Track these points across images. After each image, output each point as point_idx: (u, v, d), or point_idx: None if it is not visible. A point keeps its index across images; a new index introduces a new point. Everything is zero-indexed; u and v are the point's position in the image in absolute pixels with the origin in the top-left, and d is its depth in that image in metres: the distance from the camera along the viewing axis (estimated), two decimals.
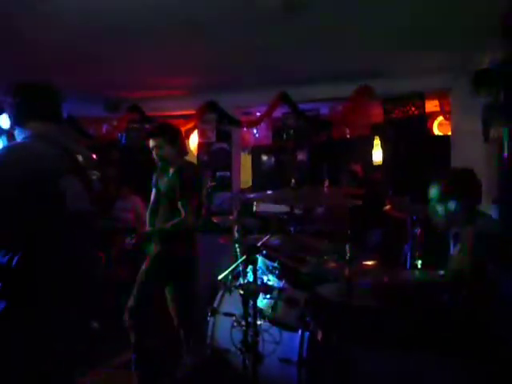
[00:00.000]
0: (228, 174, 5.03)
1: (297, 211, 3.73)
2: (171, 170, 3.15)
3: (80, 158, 1.90)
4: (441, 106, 4.85)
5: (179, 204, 2.99)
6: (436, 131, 5.57)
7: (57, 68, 3.91)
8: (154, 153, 3.15)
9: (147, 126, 4.96)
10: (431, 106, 4.86)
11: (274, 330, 2.45)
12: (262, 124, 4.96)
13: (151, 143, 3.14)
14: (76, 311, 1.82)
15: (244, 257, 2.26)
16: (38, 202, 1.66)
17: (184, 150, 3.33)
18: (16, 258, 1.62)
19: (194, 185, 3.12)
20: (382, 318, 2.39)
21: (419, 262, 2.81)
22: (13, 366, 1.64)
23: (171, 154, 3.13)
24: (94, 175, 1.95)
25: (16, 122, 1.87)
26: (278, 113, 4.81)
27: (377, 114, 4.59)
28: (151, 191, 3.37)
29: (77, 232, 1.80)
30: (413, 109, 4.32)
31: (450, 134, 4.58)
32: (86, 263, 1.89)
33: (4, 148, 1.71)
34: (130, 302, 2.98)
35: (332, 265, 2.43)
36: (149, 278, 3.01)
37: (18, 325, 1.65)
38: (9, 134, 5.47)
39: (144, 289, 3.00)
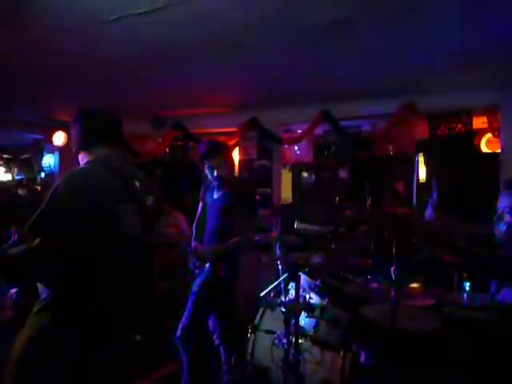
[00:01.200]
0: (269, 190, 5.05)
1: (341, 229, 3.68)
2: (223, 189, 3.15)
3: (137, 183, 1.97)
4: (489, 122, 4.69)
5: (242, 222, 2.97)
6: (484, 148, 5.38)
7: (107, 88, 4.11)
8: (210, 172, 3.11)
9: (191, 143, 5.08)
10: (479, 122, 4.72)
11: (316, 350, 2.42)
12: (304, 141, 4.96)
13: (208, 163, 3.09)
14: (124, 325, 1.88)
15: (286, 274, 2.25)
16: (95, 226, 1.73)
17: (234, 164, 3.35)
18: (69, 275, 1.69)
19: (255, 201, 3.14)
20: (427, 342, 2.31)
21: (467, 285, 2.71)
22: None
23: (225, 172, 3.12)
24: (149, 201, 2.01)
25: (81, 147, 1.96)
26: (320, 130, 4.81)
27: (421, 130, 4.50)
28: (197, 206, 3.39)
29: (127, 254, 1.86)
30: (459, 125, 4.21)
31: (498, 151, 4.42)
32: (135, 281, 1.94)
33: (70, 173, 1.78)
34: (183, 322, 3.00)
35: (377, 286, 2.38)
36: (202, 299, 3.02)
37: (61, 338, 1.70)
38: (61, 150, 5.74)
39: (198, 309, 3.01)
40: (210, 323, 3.15)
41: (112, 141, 1.99)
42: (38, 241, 1.65)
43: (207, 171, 3.13)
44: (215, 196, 3.19)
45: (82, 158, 1.97)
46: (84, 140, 1.95)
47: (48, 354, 1.68)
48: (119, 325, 1.88)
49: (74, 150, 2.00)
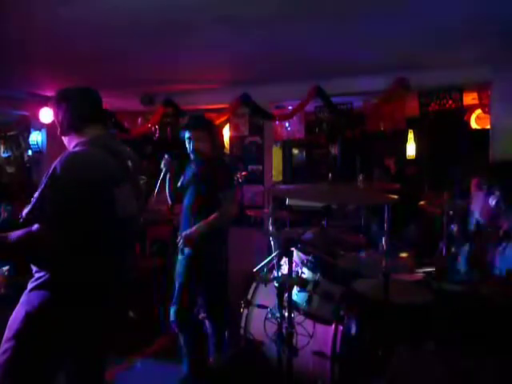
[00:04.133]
0: (260, 167, 5.05)
1: (333, 206, 3.72)
2: (201, 161, 3.13)
3: (129, 163, 1.94)
4: (479, 98, 4.70)
5: (220, 195, 2.96)
6: (474, 125, 5.42)
7: (94, 63, 4.02)
8: (188, 144, 3.11)
9: (181, 119, 5.03)
10: (469, 98, 4.72)
11: (308, 323, 2.47)
12: (295, 117, 4.93)
13: (187, 135, 3.11)
14: (117, 301, 1.91)
15: (279, 250, 2.28)
16: (94, 209, 1.73)
17: (220, 144, 3.33)
18: (67, 254, 1.70)
19: (232, 177, 3.13)
20: (418, 315, 2.36)
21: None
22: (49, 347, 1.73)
23: (206, 148, 3.10)
24: (142, 180, 2.00)
25: (70, 128, 1.89)
26: (311, 106, 4.78)
27: (412, 107, 4.50)
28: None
29: (123, 234, 1.88)
30: (450, 102, 4.21)
31: (488, 127, 4.45)
32: (129, 259, 1.97)
33: (67, 156, 1.74)
34: (174, 306, 3.01)
35: (368, 259, 2.42)
36: (189, 279, 3.02)
37: (60, 314, 1.73)
38: (48, 128, 5.63)
39: (187, 291, 3.02)
40: (198, 301, 3.17)
41: (101, 119, 1.96)
42: (37, 225, 1.65)
43: (187, 143, 3.11)
44: (192, 170, 3.18)
45: (70, 140, 1.91)
46: (73, 120, 1.88)
47: (47, 330, 1.70)
48: (115, 301, 1.90)
49: (60, 131, 1.93)
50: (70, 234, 1.68)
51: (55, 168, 1.67)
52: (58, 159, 1.71)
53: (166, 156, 3.23)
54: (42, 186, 1.67)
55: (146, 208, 5.06)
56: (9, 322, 1.75)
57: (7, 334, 1.73)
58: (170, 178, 3.27)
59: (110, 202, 1.76)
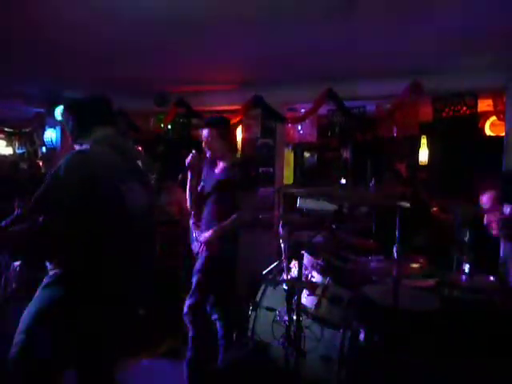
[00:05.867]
0: (271, 169, 5.04)
1: (344, 210, 3.70)
2: (222, 165, 3.16)
3: (139, 162, 1.98)
4: (494, 105, 4.66)
5: (239, 198, 2.98)
6: (488, 132, 5.36)
7: (108, 63, 4.06)
8: (208, 143, 3.11)
9: (193, 120, 5.05)
10: (484, 105, 4.68)
11: (316, 327, 2.46)
12: (307, 121, 4.93)
13: (204, 133, 3.11)
14: (130, 299, 1.92)
15: (289, 253, 2.27)
16: (98, 204, 1.75)
17: (234, 145, 3.32)
18: (79, 252, 1.72)
19: (254, 180, 3.12)
20: (427, 322, 2.35)
21: (467, 267, 2.74)
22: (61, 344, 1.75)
23: (221, 148, 3.11)
24: (152, 178, 2.03)
25: (79, 134, 1.96)
26: (324, 109, 4.77)
27: (426, 112, 4.46)
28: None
29: (135, 231, 1.90)
30: (464, 108, 4.17)
31: (503, 134, 4.40)
32: (142, 256, 1.98)
33: (75, 152, 1.79)
34: (190, 300, 3.04)
35: (378, 265, 2.41)
36: (206, 276, 3.05)
37: (71, 311, 1.74)
38: (62, 125, 5.69)
39: (202, 287, 3.04)
40: (209, 298, 3.19)
41: (110, 122, 2.00)
42: (42, 218, 1.67)
43: (205, 141, 3.10)
44: (215, 171, 3.19)
45: (81, 146, 1.96)
46: (82, 132, 1.95)
47: (56, 327, 1.72)
48: (127, 298, 1.92)
49: (71, 140, 2.02)
50: (76, 229, 1.70)
51: (59, 166, 1.73)
52: (64, 158, 1.77)
53: (193, 151, 3.20)
54: (46, 181, 1.71)
55: (156, 208, 5.09)
56: (23, 315, 1.78)
57: (20, 326, 1.77)
58: (192, 175, 3.25)
59: (118, 198, 1.78)
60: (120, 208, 1.79)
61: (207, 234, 3.03)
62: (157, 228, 2.53)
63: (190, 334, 3.07)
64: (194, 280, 3.08)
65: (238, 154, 3.19)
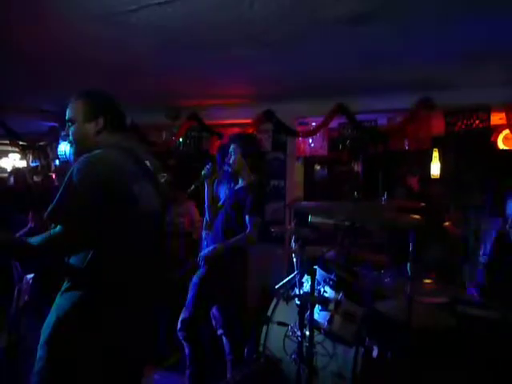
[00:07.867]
0: (282, 183, 5.05)
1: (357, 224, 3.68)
2: (241, 182, 3.18)
3: (148, 163, 2.00)
4: (507, 118, 4.62)
5: (246, 218, 3.01)
6: (501, 145, 5.31)
7: (121, 77, 4.12)
8: (231, 157, 3.15)
9: (205, 134, 5.09)
10: (496, 118, 4.64)
11: (328, 343, 2.43)
12: (318, 134, 4.93)
13: (231, 148, 3.17)
14: (143, 308, 1.90)
15: (302, 268, 2.26)
16: (115, 208, 1.75)
17: (256, 165, 3.31)
18: (89, 256, 1.72)
19: (263, 203, 3.14)
20: (441, 339, 2.31)
21: (479, 283, 2.70)
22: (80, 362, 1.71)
23: (240, 165, 3.14)
24: (163, 178, 2.04)
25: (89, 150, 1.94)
26: (335, 123, 4.77)
27: (438, 126, 4.44)
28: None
29: (148, 230, 1.90)
30: (477, 122, 4.14)
31: None
32: (155, 260, 1.97)
33: (86, 157, 1.79)
34: (184, 315, 3.03)
35: (391, 281, 2.38)
36: (203, 291, 3.04)
37: (86, 319, 1.72)
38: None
39: (199, 302, 3.03)
40: (215, 313, 3.17)
41: (119, 129, 2.01)
42: (58, 228, 1.69)
43: (229, 155, 3.13)
44: (233, 187, 3.21)
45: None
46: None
47: (78, 333, 1.70)
48: (143, 302, 1.90)
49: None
50: (92, 233, 1.71)
51: (72, 171, 1.73)
52: (76, 162, 1.78)
53: (209, 163, 3.24)
54: (62, 187, 1.72)
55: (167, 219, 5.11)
56: (42, 328, 1.75)
57: (41, 339, 1.73)
58: (208, 187, 3.28)
59: (131, 198, 1.79)
60: (135, 208, 1.80)
61: (209, 250, 3.05)
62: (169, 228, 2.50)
63: (186, 351, 3.04)
64: (190, 294, 3.06)
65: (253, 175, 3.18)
